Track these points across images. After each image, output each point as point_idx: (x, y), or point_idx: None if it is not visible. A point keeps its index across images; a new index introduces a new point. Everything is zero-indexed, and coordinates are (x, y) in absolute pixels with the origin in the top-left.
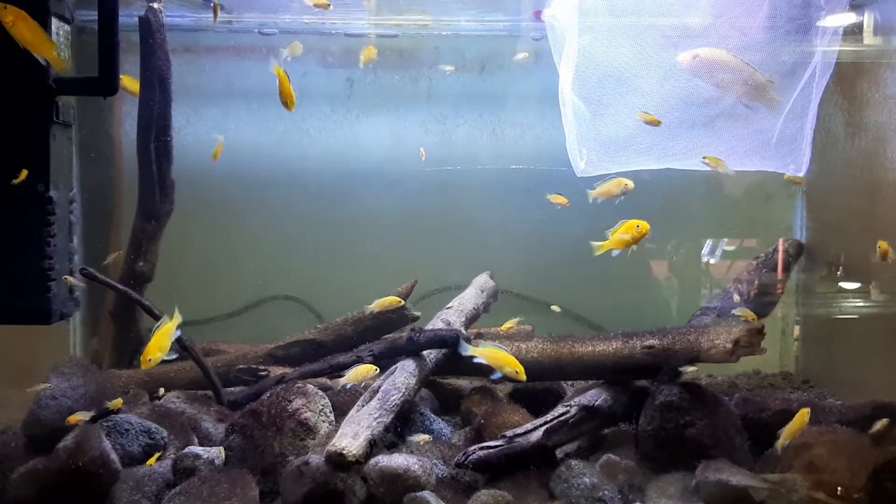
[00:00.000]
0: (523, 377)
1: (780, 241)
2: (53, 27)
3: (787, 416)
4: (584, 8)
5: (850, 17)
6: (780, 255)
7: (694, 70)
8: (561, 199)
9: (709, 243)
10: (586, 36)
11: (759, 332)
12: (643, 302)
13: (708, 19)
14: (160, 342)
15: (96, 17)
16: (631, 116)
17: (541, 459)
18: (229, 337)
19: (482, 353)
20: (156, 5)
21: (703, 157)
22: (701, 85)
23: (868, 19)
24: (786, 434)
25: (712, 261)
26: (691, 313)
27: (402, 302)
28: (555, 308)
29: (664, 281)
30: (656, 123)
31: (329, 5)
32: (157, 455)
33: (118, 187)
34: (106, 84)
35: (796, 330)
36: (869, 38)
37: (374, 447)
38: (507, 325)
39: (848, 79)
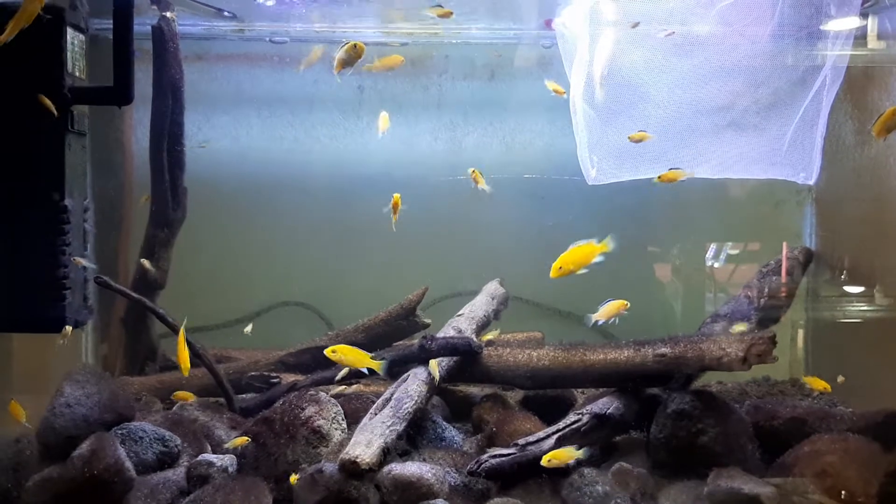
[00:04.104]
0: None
1: (784, 245)
2: (69, 37)
3: (799, 424)
4: (594, 17)
5: (859, 25)
6: (786, 262)
7: None
8: None
9: (713, 248)
10: (597, 44)
11: (772, 341)
12: (654, 307)
13: (718, 27)
14: None
15: (111, 27)
16: (641, 125)
17: (553, 467)
18: (241, 343)
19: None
20: (169, 14)
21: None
22: (711, 93)
23: (878, 27)
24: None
25: (717, 265)
26: (702, 319)
27: None
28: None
29: (675, 286)
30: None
31: (451, 13)
32: None
33: (129, 195)
34: (121, 94)
35: (803, 335)
36: (879, 46)
37: (387, 455)
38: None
39: (858, 86)
